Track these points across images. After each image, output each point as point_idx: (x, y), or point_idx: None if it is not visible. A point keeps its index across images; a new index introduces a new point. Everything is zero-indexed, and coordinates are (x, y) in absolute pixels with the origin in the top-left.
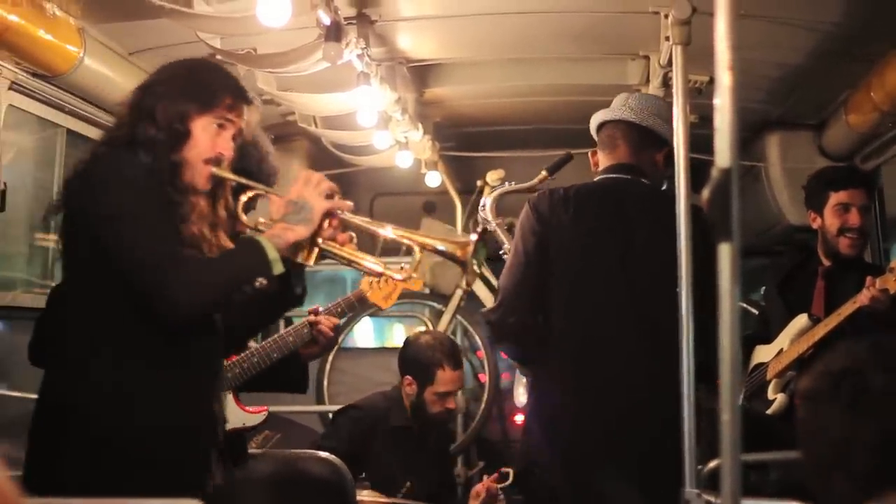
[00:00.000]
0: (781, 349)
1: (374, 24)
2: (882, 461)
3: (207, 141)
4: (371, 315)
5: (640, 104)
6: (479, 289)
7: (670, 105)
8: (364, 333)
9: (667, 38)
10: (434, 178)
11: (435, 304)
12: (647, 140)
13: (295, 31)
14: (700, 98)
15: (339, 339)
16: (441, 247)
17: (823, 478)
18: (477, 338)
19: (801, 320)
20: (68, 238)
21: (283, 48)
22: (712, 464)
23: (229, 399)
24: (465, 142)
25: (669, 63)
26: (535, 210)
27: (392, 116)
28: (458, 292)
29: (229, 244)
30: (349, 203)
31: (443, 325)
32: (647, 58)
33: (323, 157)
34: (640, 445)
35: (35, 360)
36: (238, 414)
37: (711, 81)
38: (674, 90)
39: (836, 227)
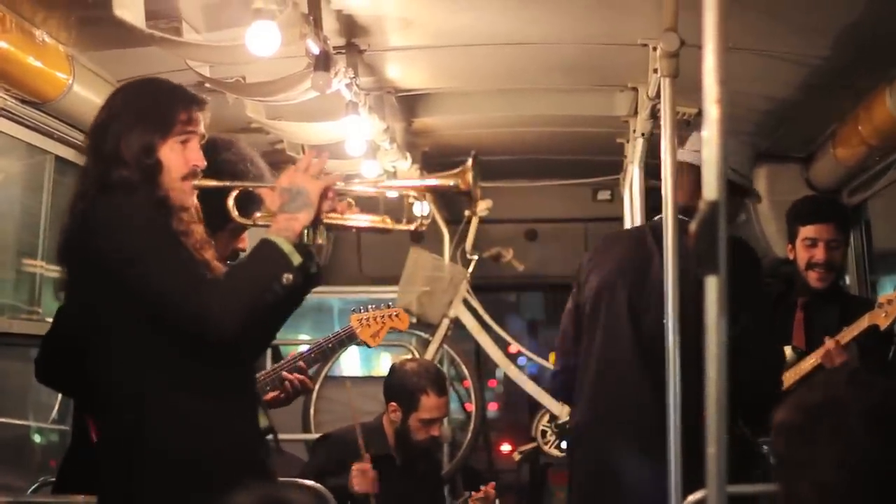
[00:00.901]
0: None
1: (362, 53)
2: (862, 498)
3: (178, 160)
4: (358, 344)
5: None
6: (467, 318)
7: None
8: (351, 362)
9: (655, 71)
10: (422, 208)
11: (422, 334)
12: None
13: (284, 59)
14: (688, 130)
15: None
16: (438, 181)
17: None
18: (463, 367)
19: (786, 353)
20: (86, 290)
21: (272, 77)
22: (697, 495)
23: None
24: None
25: (658, 95)
26: (585, 258)
27: (380, 146)
28: (445, 322)
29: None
30: (339, 174)
31: (430, 354)
32: (635, 89)
33: None
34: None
35: (44, 378)
36: None
37: (699, 113)
38: (662, 122)
39: (804, 262)
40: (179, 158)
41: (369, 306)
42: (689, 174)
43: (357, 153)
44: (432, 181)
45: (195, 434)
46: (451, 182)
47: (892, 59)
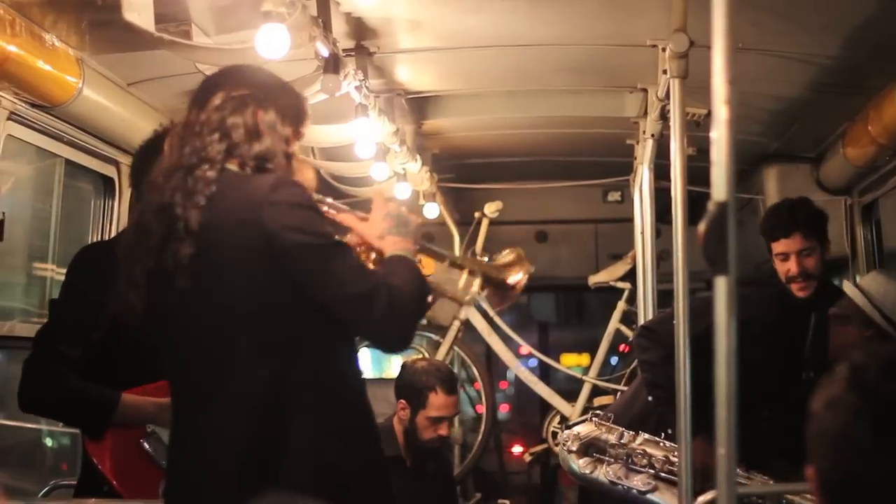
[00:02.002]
0: None
1: (372, 55)
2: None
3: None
4: (368, 346)
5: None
6: (477, 320)
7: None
8: (362, 364)
9: (664, 72)
10: (432, 210)
11: (432, 336)
12: None
13: (293, 62)
14: (697, 130)
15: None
16: (494, 274)
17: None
18: (474, 369)
19: None
20: (240, 273)
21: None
22: (708, 496)
23: None
24: (464, 173)
25: (667, 96)
26: None
27: (390, 148)
28: (456, 323)
29: None
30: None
31: (440, 355)
32: (644, 90)
33: (321, 189)
34: None
35: (28, 406)
36: None
37: (709, 114)
38: (671, 123)
39: (783, 276)
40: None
41: None
42: (854, 322)
43: (367, 155)
44: (491, 267)
45: (344, 432)
46: (505, 277)
47: None
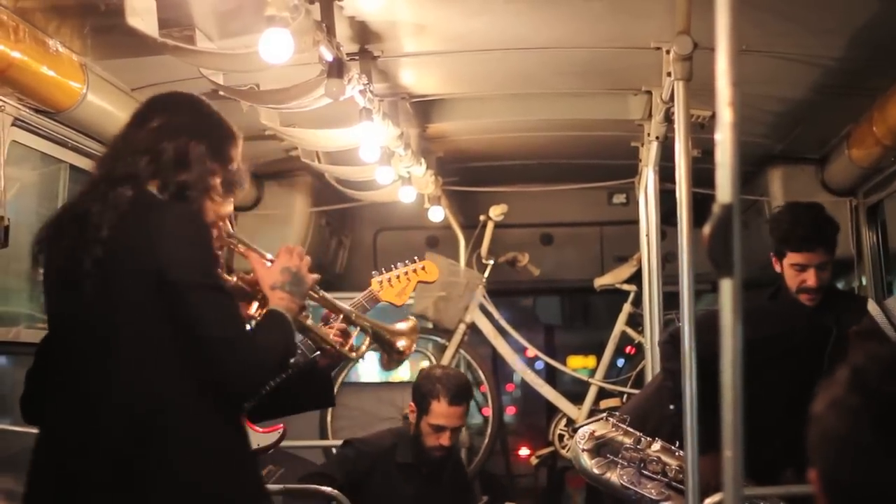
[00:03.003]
0: None
1: (376, 59)
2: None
3: (217, 207)
4: (375, 350)
5: None
6: (483, 323)
7: None
8: (368, 368)
9: (668, 74)
10: (437, 213)
11: (438, 339)
12: None
13: (297, 66)
14: (702, 132)
15: (342, 377)
16: (388, 334)
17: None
18: (480, 372)
19: None
20: (120, 297)
21: (286, 84)
22: (715, 498)
23: None
24: (468, 177)
25: (671, 98)
26: None
27: (395, 152)
28: (462, 327)
29: None
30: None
31: (446, 359)
32: (649, 93)
33: (326, 193)
34: None
35: (30, 417)
36: (251, 435)
37: (714, 116)
38: (676, 125)
39: (795, 286)
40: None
41: (392, 266)
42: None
43: (371, 159)
44: (387, 331)
45: (210, 455)
46: (399, 343)
47: None
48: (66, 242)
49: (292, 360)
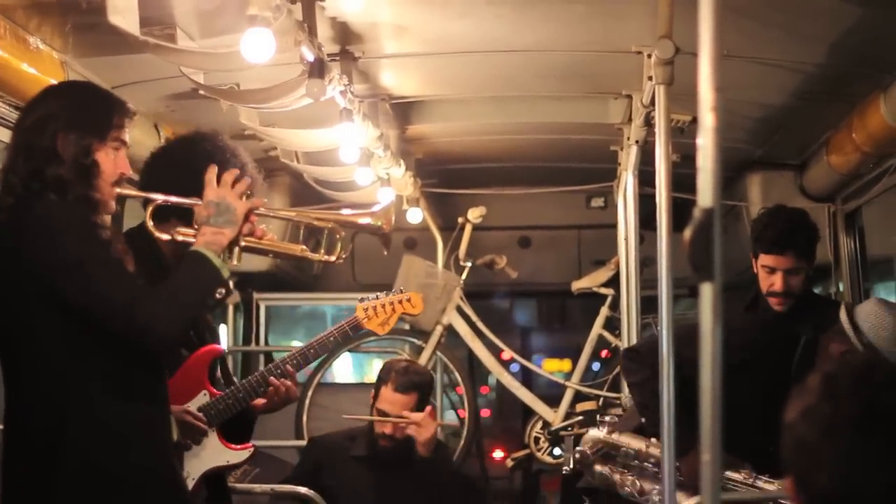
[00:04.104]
0: None
1: (357, 60)
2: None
3: (111, 165)
4: (351, 351)
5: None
6: (460, 325)
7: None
8: (343, 369)
9: (650, 78)
10: (415, 215)
11: (415, 340)
12: None
13: (278, 66)
14: (682, 137)
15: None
16: (360, 218)
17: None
18: (457, 374)
19: None
20: (7, 292)
21: (266, 84)
22: (692, 501)
23: (213, 436)
24: (447, 179)
25: (652, 102)
26: None
27: (374, 153)
28: (439, 328)
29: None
30: (264, 199)
31: (423, 360)
32: (629, 97)
33: (304, 193)
34: None
35: None
36: (223, 452)
37: (694, 121)
38: (656, 129)
39: (764, 288)
40: (112, 163)
41: (377, 294)
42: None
43: (351, 160)
44: (354, 215)
45: (117, 442)
46: (372, 221)
47: (886, 66)
48: None
49: (220, 294)
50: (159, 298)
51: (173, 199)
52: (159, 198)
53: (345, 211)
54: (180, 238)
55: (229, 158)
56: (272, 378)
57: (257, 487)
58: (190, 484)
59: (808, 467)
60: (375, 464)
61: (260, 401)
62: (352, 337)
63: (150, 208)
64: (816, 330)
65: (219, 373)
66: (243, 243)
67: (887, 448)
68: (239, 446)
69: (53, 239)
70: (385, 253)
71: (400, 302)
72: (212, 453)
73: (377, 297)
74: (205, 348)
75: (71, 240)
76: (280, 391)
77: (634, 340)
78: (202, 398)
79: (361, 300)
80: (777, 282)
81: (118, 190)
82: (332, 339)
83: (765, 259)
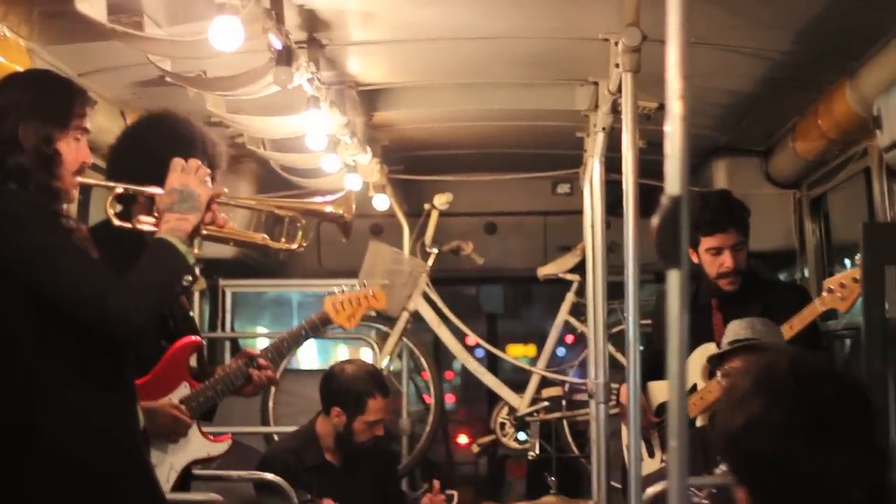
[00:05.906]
0: (696, 385)
1: (324, 48)
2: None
3: (73, 154)
4: (316, 337)
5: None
6: (426, 311)
7: None
8: (309, 355)
9: (616, 66)
10: (382, 202)
11: (381, 327)
12: None
13: (245, 54)
14: (648, 124)
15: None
16: (321, 207)
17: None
18: (422, 359)
19: (710, 349)
20: None
21: (234, 71)
22: (658, 487)
23: (193, 429)
24: (414, 165)
25: (619, 89)
26: None
27: (341, 140)
28: (405, 314)
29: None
30: (225, 188)
31: (389, 347)
32: (595, 84)
33: (271, 180)
34: None
35: None
36: (203, 444)
37: (661, 108)
38: (623, 116)
39: (714, 271)
40: (73, 152)
41: (343, 288)
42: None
43: (317, 147)
44: (315, 203)
45: (87, 431)
46: (333, 209)
47: (853, 54)
48: None
49: (186, 281)
50: (129, 288)
51: (133, 187)
52: (119, 186)
53: (306, 199)
54: (139, 226)
55: (191, 141)
56: (252, 370)
57: (223, 474)
58: (173, 477)
59: (762, 476)
60: (333, 469)
61: (246, 389)
62: (322, 330)
63: (109, 197)
64: (772, 312)
65: (195, 362)
66: (204, 232)
67: (832, 439)
68: (217, 438)
69: (16, 229)
70: (344, 241)
71: (366, 297)
72: (193, 446)
73: (343, 291)
74: (184, 340)
75: (34, 229)
76: (262, 381)
77: (601, 326)
78: (183, 390)
79: (329, 294)
80: (726, 260)
81: (80, 179)
82: (303, 332)
83: (708, 241)
